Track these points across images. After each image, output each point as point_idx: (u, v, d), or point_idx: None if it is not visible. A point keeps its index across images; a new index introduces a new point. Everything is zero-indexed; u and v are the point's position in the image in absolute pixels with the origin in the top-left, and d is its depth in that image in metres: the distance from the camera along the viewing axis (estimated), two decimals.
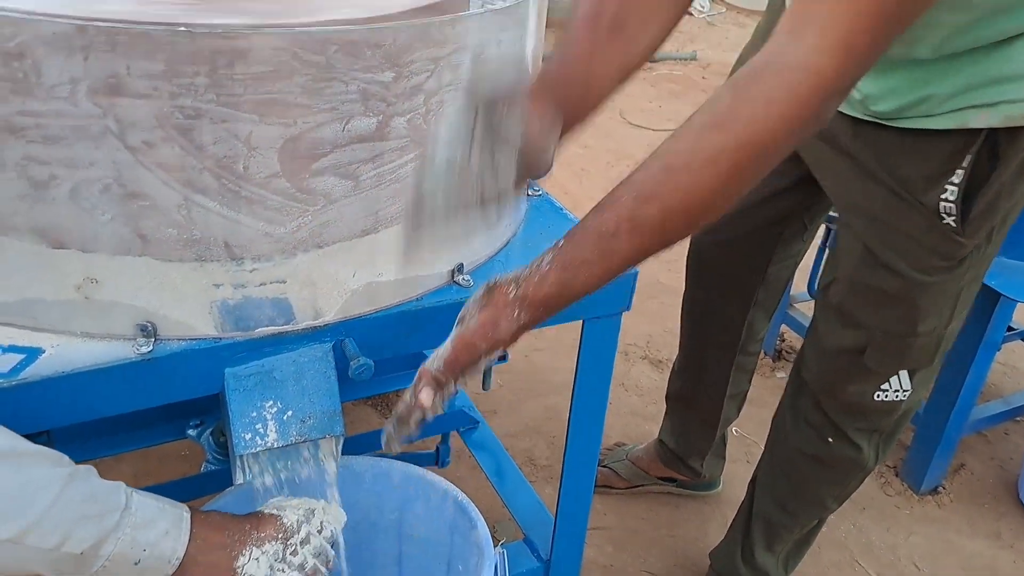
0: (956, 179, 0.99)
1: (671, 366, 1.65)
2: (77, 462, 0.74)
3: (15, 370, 0.75)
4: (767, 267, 1.39)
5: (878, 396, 1.18)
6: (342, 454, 0.92)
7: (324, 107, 0.74)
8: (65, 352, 0.78)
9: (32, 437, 0.72)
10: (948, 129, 0.97)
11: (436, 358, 0.76)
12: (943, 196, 1.00)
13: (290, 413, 0.83)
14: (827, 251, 1.84)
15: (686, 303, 1.54)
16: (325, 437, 0.85)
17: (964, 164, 0.98)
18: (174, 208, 0.74)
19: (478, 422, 1.52)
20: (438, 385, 0.76)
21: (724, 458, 1.71)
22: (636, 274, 1.01)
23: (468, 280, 0.94)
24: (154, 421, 1.38)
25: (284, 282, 0.82)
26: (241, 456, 0.82)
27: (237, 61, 0.68)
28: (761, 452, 1.42)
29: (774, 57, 0.68)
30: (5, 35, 0.65)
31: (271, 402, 0.83)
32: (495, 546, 0.93)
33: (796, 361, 1.30)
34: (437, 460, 1.60)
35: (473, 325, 0.75)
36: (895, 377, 1.17)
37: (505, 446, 1.81)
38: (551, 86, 0.83)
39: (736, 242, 1.38)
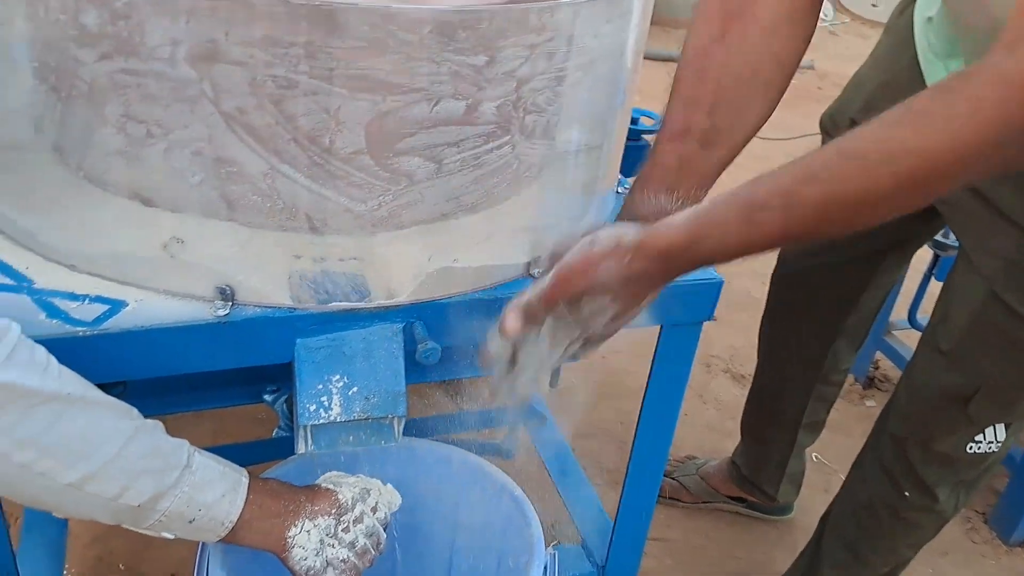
0: None
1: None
2: (157, 416, 0.76)
3: (98, 320, 0.78)
4: (859, 296, 1.32)
5: (970, 448, 1.11)
6: (407, 435, 0.93)
7: (414, 87, 0.73)
8: (147, 307, 0.80)
9: (108, 388, 0.74)
10: None
11: (528, 290, 0.71)
12: None
13: (356, 389, 0.84)
14: (931, 280, 1.75)
15: (766, 326, 1.48)
16: (388, 417, 0.85)
17: None
18: (260, 176, 0.75)
19: (546, 418, 1.50)
20: (526, 317, 0.70)
21: (800, 484, 1.64)
22: (721, 283, 0.97)
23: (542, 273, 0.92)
24: (234, 382, 1.41)
25: (362, 260, 0.82)
26: (304, 426, 0.83)
27: (332, 35, 0.69)
28: (840, 483, 1.36)
29: (988, 66, 0.61)
30: None
31: (338, 376, 0.84)
32: (547, 546, 0.91)
33: (887, 404, 1.23)
34: (499, 450, 1.59)
35: (571, 260, 0.69)
36: (991, 428, 1.09)
37: (573, 446, 1.79)
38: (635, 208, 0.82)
39: (830, 269, 1.31)
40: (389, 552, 0.95)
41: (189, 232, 0.78)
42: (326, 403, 0.83)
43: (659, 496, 1.61)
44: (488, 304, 0.89)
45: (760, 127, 0.87)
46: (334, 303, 0.83)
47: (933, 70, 1.03)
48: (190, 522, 0.74)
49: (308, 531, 0.80)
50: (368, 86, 0.72)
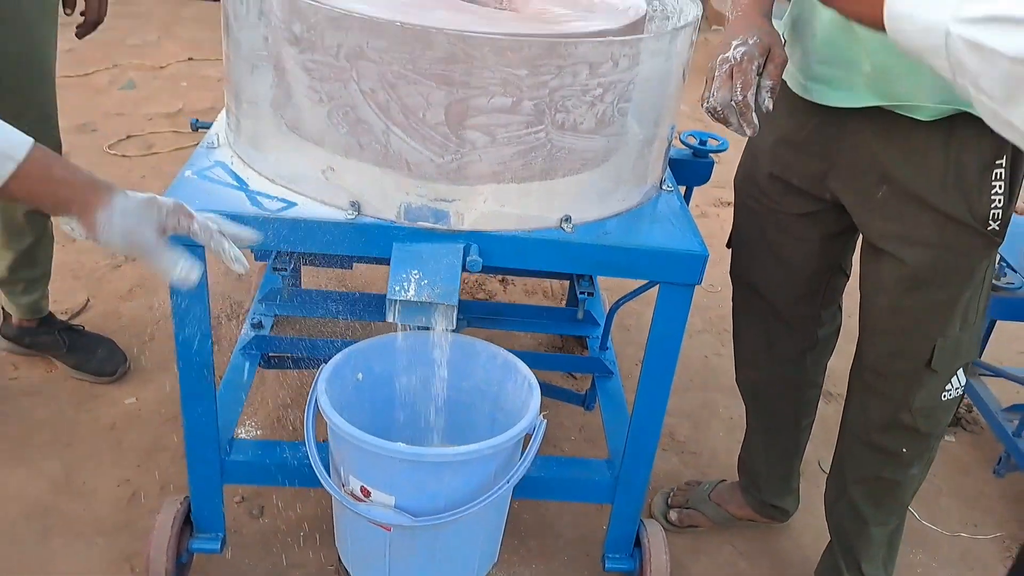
0: None
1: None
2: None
3: (278, 211, 1.27)
4: (821, 312, 1.59)
5: (944, 396, 1.40)
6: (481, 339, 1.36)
7: (476, 85, 1.16)
8: (308, 208, 1.28)
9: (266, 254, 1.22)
10: None
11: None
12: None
13: (426, 282, 1.27)
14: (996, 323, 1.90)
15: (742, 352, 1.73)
16: (444, 304, 1.28)
17: None
18: (380, 132, 1.21)
19: (612, 373, 1.85)
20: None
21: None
22: (706, 256, 1.31)
23: (571, 228, 1.30)
24: None
25: (442, 199, 1.25)
26: (389, 300, 1.27)
27: (426, 48, 1.13)
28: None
29: None
30: (304, 15, 1.16)
31: (416, 271, 1.27)
32: (540, 415, 1.29)
33: (854, 400, 1.51)
34: (584, 402, 1.96)
35: None
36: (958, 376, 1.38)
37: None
38: None
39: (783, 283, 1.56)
40: (443, 419, 1.36)
41: (338, 164, 1.26)
42: (406, 287, 1.27)
43: (677, 526, 1.83)
44: (523, 241, 1.29)
45: None
46: (420, 222, 1.27)
47: (836, 93, 1.30)
48: None
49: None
50: (447, 82, 1.15)
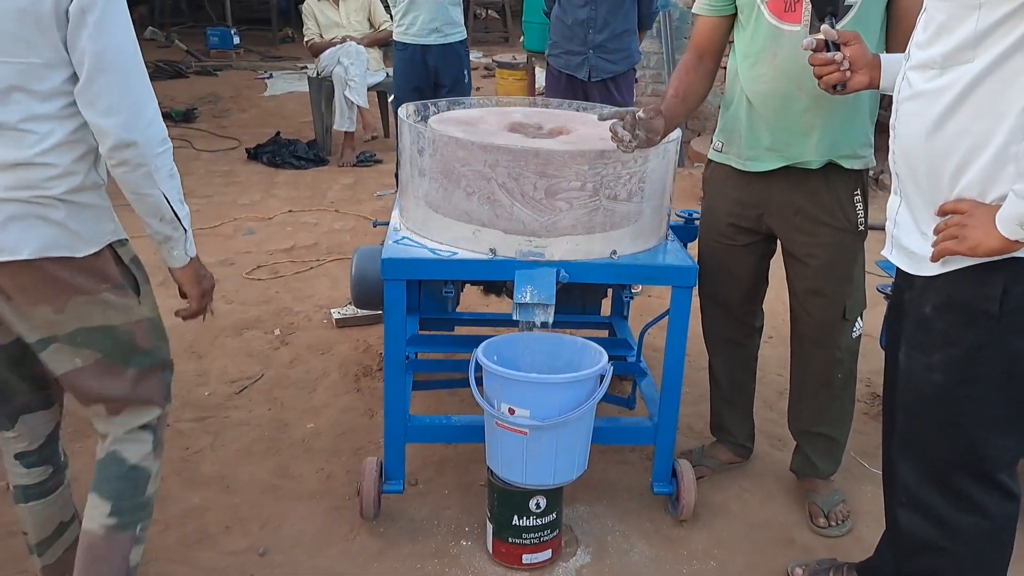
0: None
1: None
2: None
3: (448, 255, 2.21)
4: (757, 305, 2.52)
5: (854, 335, 2.30)
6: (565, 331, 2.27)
7: (559, 175, 2.13)
8: (464, 255, 2.22)
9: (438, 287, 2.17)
10: None
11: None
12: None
13: (536, 291, 2.18)
14: None
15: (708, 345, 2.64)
16: (545, 304, 2.18)
17: None
18: (507, 206, 2.17)
19: (647, 374, 2.73)
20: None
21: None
22: (696, 268, 2.23)
23: (618, 257, 2.24)
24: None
25: (542, 245, 2.20)
26: (515, 304, 2.18)
27: (532, 158, 2.11)
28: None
29: None
30: (467, 147, 2.14)
31: (530, 287, 2.19)
32: (609, 362, 2.17)
33: (804, 348, 2.42)
34: (627, 403, 2.83)
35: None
36: (858, 320, 2.29)
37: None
38: (667, 105, 2.21)
39: (734, 284, 2.47)
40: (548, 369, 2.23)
41: (482, 229, 2.21)
42: (524, 295, 2.18)
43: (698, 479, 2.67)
44: (589, 266, 2.21)
45: (697, 107, 2.31)
46: (530, 258, 2.21)
47: (762, 163, 2.26)
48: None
49: None
50: (544, 174, 2.12)
